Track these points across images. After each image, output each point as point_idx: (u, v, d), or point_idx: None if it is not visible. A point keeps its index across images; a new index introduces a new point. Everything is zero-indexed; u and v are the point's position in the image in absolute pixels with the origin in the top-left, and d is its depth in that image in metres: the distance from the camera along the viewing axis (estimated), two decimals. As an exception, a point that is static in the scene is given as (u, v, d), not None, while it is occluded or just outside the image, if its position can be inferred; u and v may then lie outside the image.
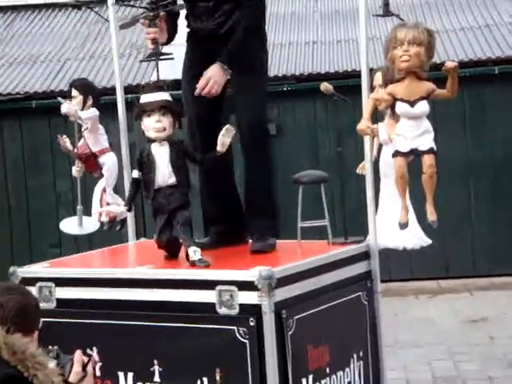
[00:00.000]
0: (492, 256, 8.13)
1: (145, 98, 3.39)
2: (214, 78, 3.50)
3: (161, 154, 3.35)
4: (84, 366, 2.36)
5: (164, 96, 3.39)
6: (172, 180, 3.35)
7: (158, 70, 3.57)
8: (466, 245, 8.18)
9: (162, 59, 3.58)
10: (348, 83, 7.20)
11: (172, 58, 3.58)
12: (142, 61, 3.88)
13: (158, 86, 3.45)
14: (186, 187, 3.40)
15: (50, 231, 8.21)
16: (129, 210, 3.64)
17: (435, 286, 8.05)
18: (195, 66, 3.67)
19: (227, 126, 3.40)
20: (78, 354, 2.38)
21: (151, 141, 3.38)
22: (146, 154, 3.36)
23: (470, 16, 9.11)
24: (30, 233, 8.42)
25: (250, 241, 3.68)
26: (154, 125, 3.34)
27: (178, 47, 3.81)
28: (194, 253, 3.29)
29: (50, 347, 2.38)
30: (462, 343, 6.23)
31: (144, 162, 3.37)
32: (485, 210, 8.20)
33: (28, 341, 2.16)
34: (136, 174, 3.41)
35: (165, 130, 3.34)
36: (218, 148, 3.38)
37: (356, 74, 8.15)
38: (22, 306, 2.31)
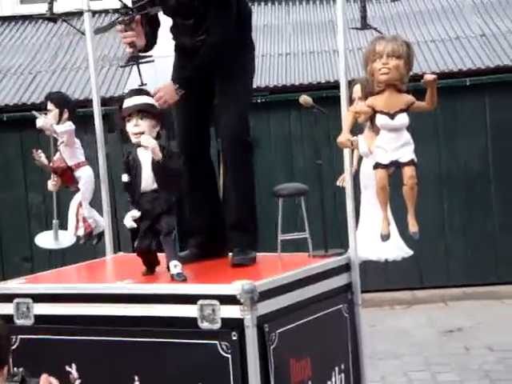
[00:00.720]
0: (466, 266, 8.19)
1: (125, 104, 3.37)
2: (162, 91, 3.49)
3: (145, 158, 3.31)
4: None
5: (142, 100, 3.36)
6: (155, 185, 3.30)
7: (140, 74, 3.54)
8: (441, 255, 8.23)
9: (142, 62, 3.56)
10: (322, 95, 7.24)
11: (152, 61, 3.56)
12: (122, 66, 3.85)
13: (138, 89, 3.43)
14: (171, 192, 3.35)
15: (22, 245, 8.11)
16: None
17: (410, 296, 8.08)
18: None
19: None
20: (43, 378, 2.28)
21: (138, 145, 3.34)
22: (132, 158, 3.34)
23: (441, 28, 9.21)
24: (2, 246, 8.31)
25: (231, 254, 3.66)
26: (132, 129, 3.32)
27: (160, 59, 3.79)
28: (175, 267, 3.26)
29: (15, 369, 2.28)
30: (438, 354, 6.26)
31: (130, 166, 3.34)
32: (458, 220, 8.27)
33: None
34: (126, 177, 3.36)
35: (143, 133, 3.30)
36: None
37: (330, 86, 8.23)
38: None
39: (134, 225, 3.31)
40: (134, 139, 3.33)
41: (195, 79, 3.61)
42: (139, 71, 3.54)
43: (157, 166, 3.27)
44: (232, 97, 3.63)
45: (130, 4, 3.59)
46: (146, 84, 3.51)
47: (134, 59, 3.54)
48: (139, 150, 3.31)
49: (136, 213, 3.31)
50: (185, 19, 3.64)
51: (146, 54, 3.62)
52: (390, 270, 7.39)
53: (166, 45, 3.76)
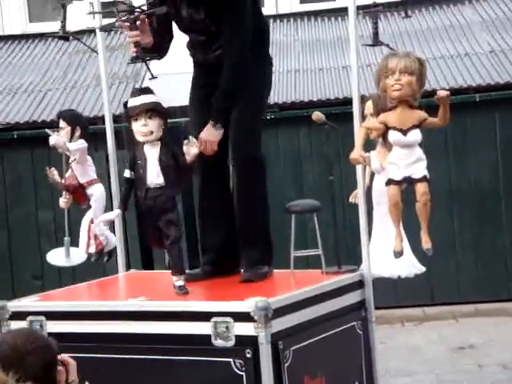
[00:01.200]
0: (477, 282, 8.14)
1: (131, 103, 3.39)
2: (207, 139, 3.55)
3: (151, 154, 3.36)
4: None
5: (150, 99, 3.38)
6: (160, 180, 3.35)
7: (149, 69, 3.56)
8: (451, 272, 8.19)
9: (148, 60, 3.61)
10: (331, 111, 7.24)
11: (158, 58, 3.59)
12: (128, 63, 3.85)
13: (143, 88, 3.47)
14: (174, 189, 3.40)
15: (32, 262, 8.11)
16: (124, 210, 3.55)
17: (421, 313, 8.04)
18: (203, 87, 3.72)
19: (190, 138, 3.44)
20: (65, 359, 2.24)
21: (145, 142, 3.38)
22: (138, 154, 3.38)
23: (450, 45, 9.22)
24: (12, 264, 8.31)
25: (242, 270, 3.66)
26: (140, 129, 3.35)
27: (173, 76, 3.81)
28: (177, 279, 3.31)
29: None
30: (450, 371, 6.21)
31: (136, 162, 3.38)
32: (469, 236, 8.23)
33: None
34: (128, 173, 3.41)
35: (152, 133, 3.35)
36: (187, 157, 3.40)
37: (339, 102, 8.25)
38: (48, 362, 2.11)
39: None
40: (140, 138, 3.36)
41: (230, 107, 3.61)
42: (148, 68, 3.56)
43: (165, 163, 3.33)
44: (245, 111, 3.63)
45: (135, 3, 3.61)
46: (156, 77, 3.52)
47: (138, 58, 3.57)
48: (146, 146, 3.36)
49: (114, 215, 3.48)
50: (198, 35, 3.66)
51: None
52: (400, 286, 7.35)
53: (180, 61, 3.78)
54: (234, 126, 3.65)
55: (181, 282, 3.29)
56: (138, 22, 3.50)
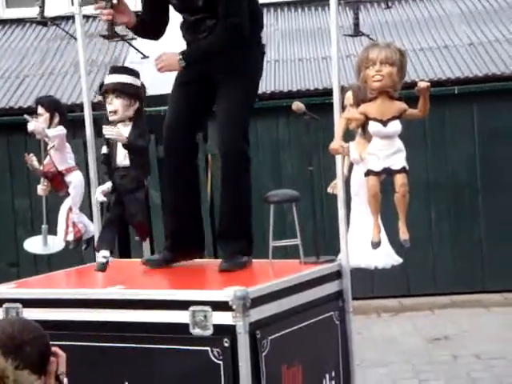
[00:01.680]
0: (453, 274, 8.21)
1: (105, 81, 3.43)
2: (164, 57, 3.49)
3: (122, 134, 3.36)
4: None
5: (118, 78, 3.40)
6: (126, 162, 3.37)
7: (138, 50, 3.55)
8: (428, 263, 8.25)
9: (131, 39, 3.59)
10: (311, 102, 7.23)
11: (155, 39, 3.61)
12: (106, 39, 3.87)
13: (118, 67, 3.53)
14: (140, 170, 3.41)
15: (8, 250, 8.05)
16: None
17: (397, 304, 8.09)
18: (188, 73, 3.65)
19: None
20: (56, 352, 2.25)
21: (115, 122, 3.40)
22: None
23: (429, 37, 9.25)
24: (-12, 252, 8.24)
25: (221, 260, 3.66)
26: (107, 107, 3.39)
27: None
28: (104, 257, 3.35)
29: None
30: (426, 362, 6.26)
31: (108, 141, 3.40)
32: (446, 228, 8.29)
33: (35, 378, 2.01)
34: (105, 149, 3.44)
35: (116, 112, 3.36)
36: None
37: (319, 93, 8.26)
38: (43, 353, 2.13)
39: (104, 199, 3.39)
40: (109, 118, 3.38)
41: (201, 58, 3.56)
42: (135, 48, 3.55)
43: (125, 145, 3.34)
44: (232, 103, 3.59)
45: None
46: (148, 56, 3.52)
47: (110, 37, 3.62)
48: (119, 125, 3.37)
49: (106, 187, 3.40)
50: (189, 15, 3.62)
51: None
52: (376, 277, 7.40)
53: (175, 43, 3.75)
54: (222, 118, 3.61)
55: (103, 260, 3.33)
56: (114, 1, 3.51)
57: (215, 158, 7.63)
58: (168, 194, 3.83)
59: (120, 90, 3.36)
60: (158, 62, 3.49)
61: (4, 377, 1.85)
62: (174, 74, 3.73)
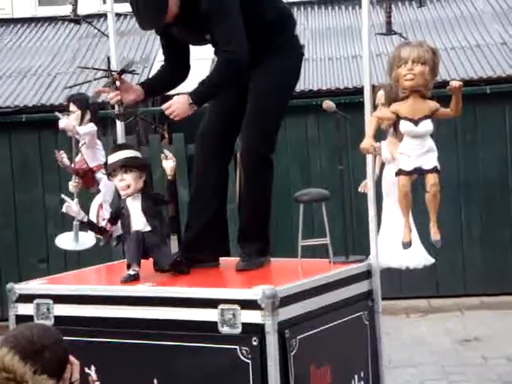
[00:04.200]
0: (483, 275, 8.13)
1: (109, 160, 3.56)
2: (174, 107, 3.46)
3: (134, 207, 3.49)
4: None
5: (124, 154, 3.51)
6: (148, 228, 3.47)
7: (141, 127, 3.66)
8: (457, 264, 8.17)
9: (139, 116, 3.88)
10: (340, 101, 7.21)
11: (142, 113, 3.72)
12: (122, 120, 3.97)
13: (119, 145, 3.66)
14: (163, 232, 3.51)
15: (38, 246, 8.13)
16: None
17: (426, 304, 8.03)
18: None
19: (166, 151, 3.59)
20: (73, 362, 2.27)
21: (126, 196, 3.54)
22: (121, 208, 3.53)
23: (461, 36, 9.17)
24: (19, 247, 8.33)
25: (238, 259, 3.65)
26: (118, 184, 3.51)
27: (194, 61, 3.80)
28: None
29: None
30: (455, 363, 6.20)
31: (120, 215, 3.53)
32: (476, 229, 8.21)
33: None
34: (104, 223, 3.68)
35: (129, 186, 3.48)
36: (168, 172, 3.53)
37: (349, 92, 8.22)
38: (61, 359, 2.14)
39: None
40: (121, 193, 3.52)
41: (211, 96, 3.56)
42: (139, 128, 3.66)
43: (150, 214, 3.46)
44: (259, 107, 3.56)
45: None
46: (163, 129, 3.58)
47: (129, 114, 3.76)
48: (128, 200, 3.50)
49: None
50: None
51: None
52: (405, 277, 7.35)
53: (199, 48, 3.76)
54: (247, 120, 3.58)
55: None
56: (117, 83, 3.60)
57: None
58: (194, 199, 3.79)
59: (129, 164, 3.47)
60: (169, 111, 3.46)
61: (23, 381, 1.86)
62: (198, 73, 3.73)
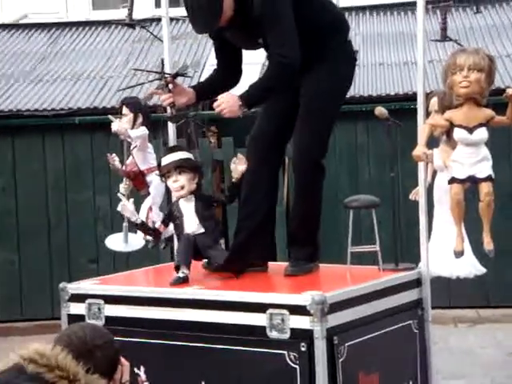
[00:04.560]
0: (534, 286, 7.98)
1: (162, 162, 3.59)
2: (225, 103, 3.44)
3: (188, 208, 3.52)
4: None
5: (178, 156, 3.55)
6: (201, 230, 3.49)
7: (193, 130, 3.68)
8: (508, 274, 8.03)
9: (189, 118, 3.74)
10: (391, 107, 7.15)
11: (195, 115, 3.71)
12: (173, 122, 3.99)
13: (172, 147, 3.68)
14: (216, 234, 3.55)
15: (88, 247, 8.24)
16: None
17: (475, 314, 7.91)
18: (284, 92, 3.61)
19: (238, 154, 3.57)
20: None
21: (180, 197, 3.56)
22: (175, 209, 3.56)
23: (516, 43, 9.03)
24: (69, 247, 8.46)
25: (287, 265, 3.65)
26: (172, 185, 3.54)
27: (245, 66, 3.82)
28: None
29: None
30: (506, 375, 6.09)
31: (174, 216, 3.56)
32: (528, 239, 8.06)
33: (104, 383, 2.04)
34: (158, 225, 3.66)
35: (183, 187, 3.51)
36: (233, 174, 3.52)
37: (399, 98, 8.16)
38: (112, 360, 2.17)
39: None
40: (174, 194, 3.55)
41: (262, 100, 3.57)
42: (193, 128, 3.66)
43: (203, 216, 3.49)
44: (312, 112, 3.55)
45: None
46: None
47: (173, 118, 3.78)
48: (181, 201, 3.53)
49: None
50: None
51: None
52: (453, 286, 7.25)
53: (246, 52, 3.78)
54: (299, 126, 3.57)
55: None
56: (170, 86, 3.62)
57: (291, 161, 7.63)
58: (245, 203, 3.77)
59: (183, 165, 3.51)
60: (219, 109, 3.44)
61: (76, 380, 1.89)
62: (248, 78, 3.73)
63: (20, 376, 1.83)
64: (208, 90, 3.79)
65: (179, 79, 3.81)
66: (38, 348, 1.89)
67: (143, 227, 3.71)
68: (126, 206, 3.69)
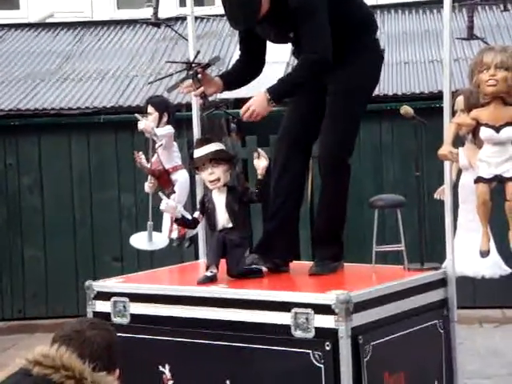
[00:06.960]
0: (561, 287, 7.89)
1: (195, 154, 3.52)
2: (254, 106, 3.45)
3: (219, 200, 3.47)
4: None
5: (212, 147, 3.48)
6: (230, 224, 3.45)
7: (229, 120, 3.64)
8: (534, 274, 7.95)
9: (220, 107, 3.79)
10: (416, 106, 7.11)
11: (226, 104, 3.68)
12: (205, 114, 3.97)
13: (205, 139, 3.59)
14: (244, 230, 3.50)
15: (113, 245, 8.29)
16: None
17: (500, 314, 7.84)
18: (310, 90, 3.60)
19: (259, 150, 3.50)
20: None
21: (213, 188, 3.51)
22: (207, 200, 3.51)
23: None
24: (94, 245, 8.51)
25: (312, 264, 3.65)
26: (208, 177, 3.47)
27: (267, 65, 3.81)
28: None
29: None
30: (531, 376, 6.05)
31: (206, 207, 3.51)
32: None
33: (113, 379, 2.07)
34: (196, 214, 3.57)
35: (219, 179, 3.45)
36: (259, 171, 3.46)
37: (424, 97, 8.11)
38: (108, 342, 2.19)
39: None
40: (210, 186, 3.49)
41: (289, 94, 3.57)
42: (228, 119, 3.61)
43: (232, 209, 3.43)
44: (340, 111, 3.54)
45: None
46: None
47: (212, 106, 3.73)
48: (214, 192, 3.48)
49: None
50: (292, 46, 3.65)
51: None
52: (478, 286, 7.20)
53: (272, 51, 3.77)
54: (325, 125, 3.56)
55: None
56: (199, 76, 3.60)
57: (316, 161, 7.62)
58: (272, 202, 3.75)
59: (219, 157, 3.46)
60: (248, 113, 3.44)
61: (82, 378, 1.90)
62: (272, 77, 3.72)
63: (27, 378, 1.85)
64: (233, 80, 3.78)
65: (208, 70, 3.79)
66: (43, 350, 1.91)
67: (183, 219, 3.65)
68: (169, 205, 3.62)
